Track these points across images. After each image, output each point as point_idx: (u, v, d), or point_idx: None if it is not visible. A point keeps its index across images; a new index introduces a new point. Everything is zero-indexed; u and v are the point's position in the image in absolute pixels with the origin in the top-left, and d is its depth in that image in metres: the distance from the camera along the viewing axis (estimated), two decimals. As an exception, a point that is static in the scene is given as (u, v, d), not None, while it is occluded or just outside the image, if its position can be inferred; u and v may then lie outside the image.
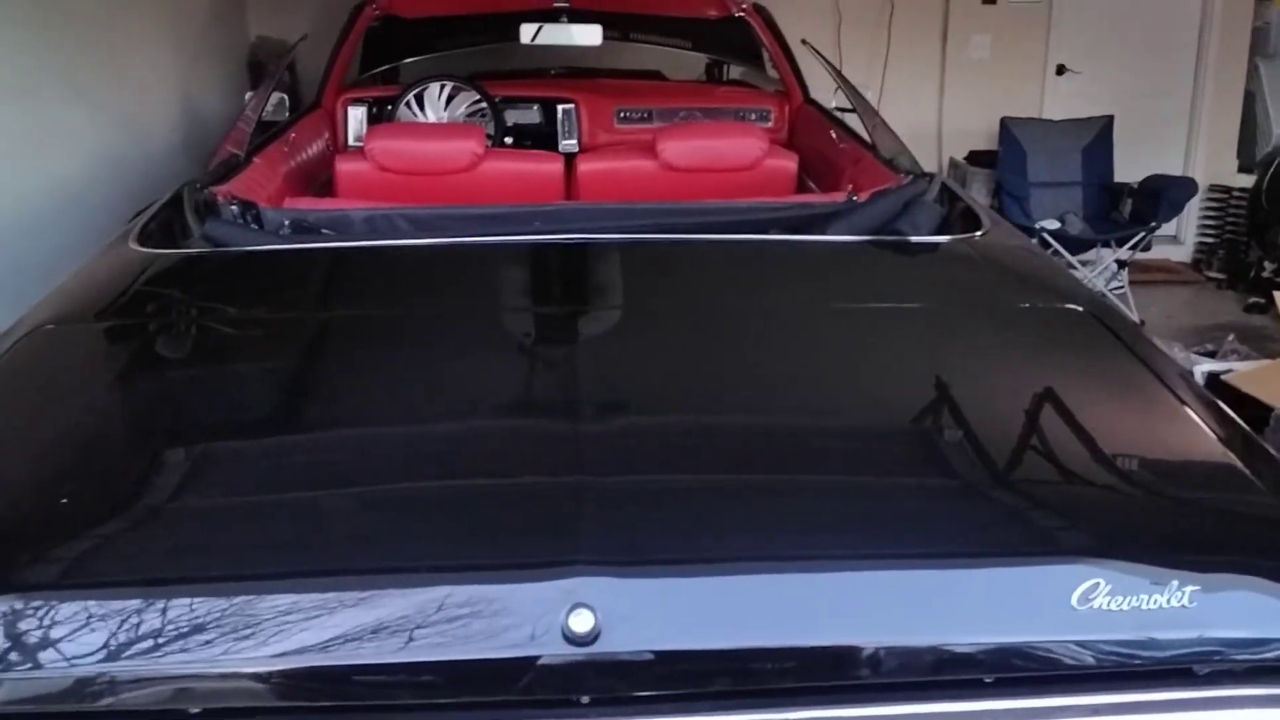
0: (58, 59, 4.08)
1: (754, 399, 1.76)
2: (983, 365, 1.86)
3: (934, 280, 2.27)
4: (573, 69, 5.22)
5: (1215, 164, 6.72)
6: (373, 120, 4.36)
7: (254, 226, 2.45)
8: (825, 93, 4.39)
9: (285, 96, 4.14)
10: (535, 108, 4.49)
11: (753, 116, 4.45)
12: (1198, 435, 1.64)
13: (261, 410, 1.77)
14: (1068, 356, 1.88)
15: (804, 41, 3.99)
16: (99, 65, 4.44)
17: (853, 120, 3.86)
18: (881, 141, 3.18)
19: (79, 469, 1.59)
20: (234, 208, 2.52)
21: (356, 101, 4.37)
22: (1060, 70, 6.69)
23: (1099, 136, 6.11)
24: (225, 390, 1.83)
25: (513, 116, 4.39)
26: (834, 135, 3.78)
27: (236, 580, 1.36)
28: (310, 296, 2.20)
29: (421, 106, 4.30)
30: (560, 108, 4.43)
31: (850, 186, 2.66)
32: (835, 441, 1.64)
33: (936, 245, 2.31)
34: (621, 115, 4.46)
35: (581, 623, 1.25)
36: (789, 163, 3.52)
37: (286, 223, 2.44)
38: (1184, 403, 1.70)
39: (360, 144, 4.35)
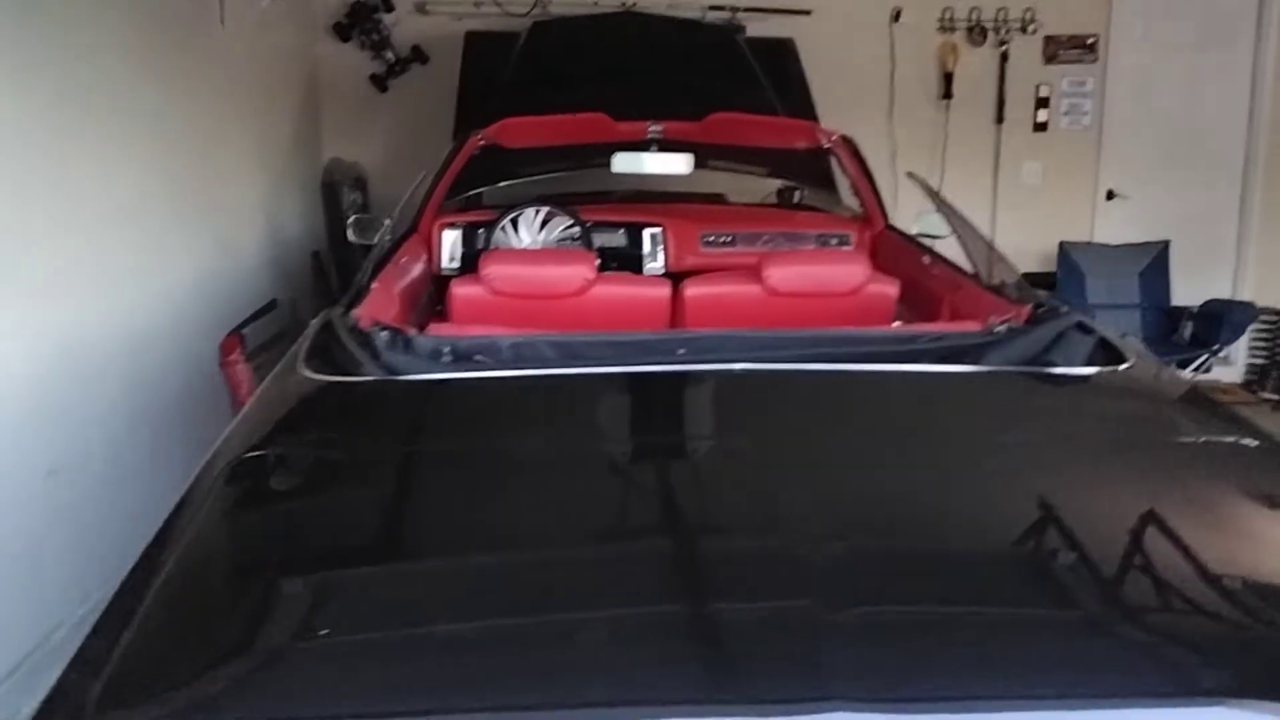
0: (163, 185, 4.23)
1: (953, 531, 1.79)
2: (1176, 502, 1.84)
3: (1092, 414, 2.30)
4: (637, 192, 5.37)
5: (1264, 286, 6.82)
6: (466, 244, 4.50)
7: (408, 353, 2.51)
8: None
9: (389, 220, 4.27)
10: (621, 231, 4.62)
11: (834, 241, 4.57)
12: None
13: (480, 537, 1.81)
14: (1258, 492, 1.90)
15: (910, 174, 4.12)
16: (198, 191, 4.60)
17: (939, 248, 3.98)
18: (993, 268, 3.26)
19: (313, 598, 1.63)
20: (384, 334, 2.59)
21: (451, 225, 4.50)
22: (1110, 195, 6.85)
23: (1155, 260, 6.24)
24: (437, 517, 1.87)
25: (599, 239, 4.52)
26: (926, 261, 3.87)
27: (472, 712, 1.37)
28: (498, 425, 2.26)
29: (516, 230, 4.43)
30: (647, 232, 4.56)
31: (992, 317, 2.72)
32: (1051, 572, 1.67)
33: (1086, 378, 2.36)
34: (707, 239, 4.59)
35: None
36: (890, 289, 3.60)
37: (446, 350, 2.50)
38: None
39: (455, 265, 4.49)
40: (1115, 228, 6.76)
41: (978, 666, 1.44)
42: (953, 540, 1.77)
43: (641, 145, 4.47)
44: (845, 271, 3.57)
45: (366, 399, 2.28)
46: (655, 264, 4.54)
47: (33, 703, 3.09)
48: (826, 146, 4.43)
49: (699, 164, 5.06)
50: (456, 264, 4.49)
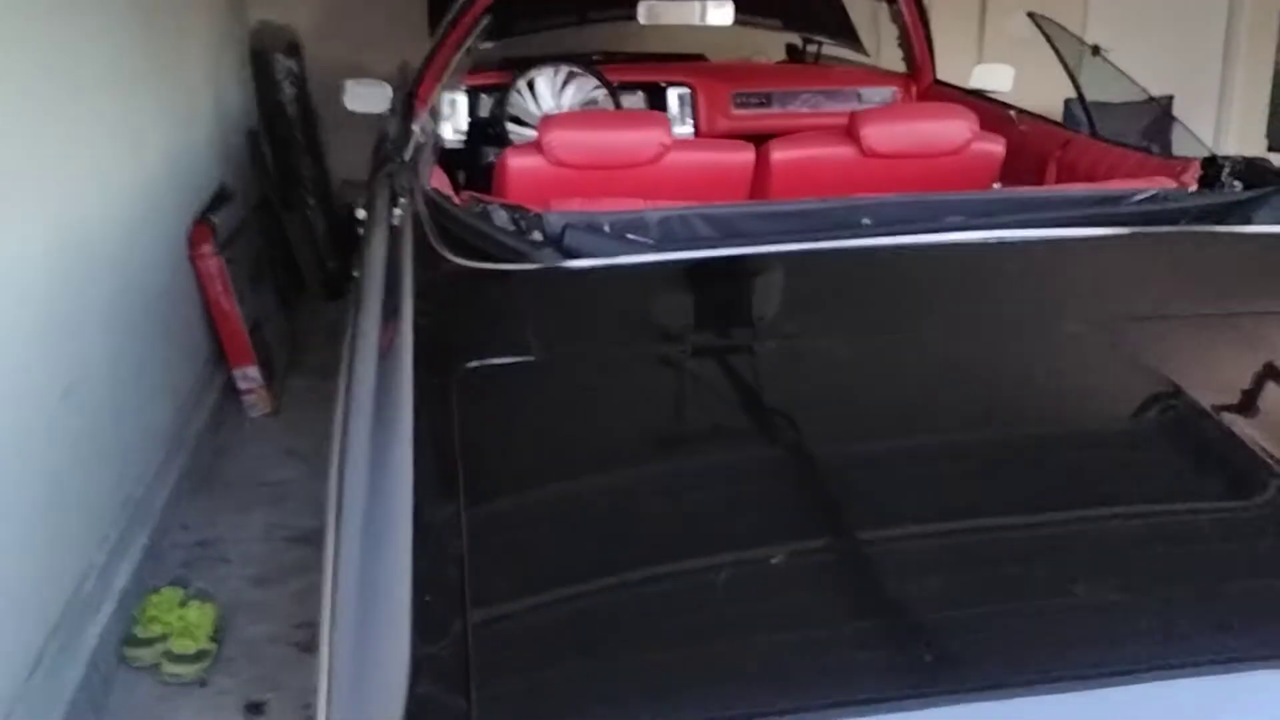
0: (133, 53, 3.59)
1: None
2: None
3: None
4: (608, 54, 4.88)
5: (1244, 143, 6.65)
6: (473, 110, 3.98)
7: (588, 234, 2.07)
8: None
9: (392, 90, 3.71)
10: (639, 93, 4.15)
11: (877, 99, 4.18)
12: None
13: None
14: None
15: (1031, 14, 3.71)
16: (153, 57, 3.93)
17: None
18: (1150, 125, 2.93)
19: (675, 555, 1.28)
20: (503, 213, 2.15)
21: (451, 89, 3.95)
22: (1095, 51, 6.55)
23: (1159, 118, 5.97)
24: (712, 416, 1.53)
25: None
26: (1011, 115, 3.53)
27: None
28: (730, 315, 1.89)
29: (534, 93, 3.91)
30: (674, 92, 4.11)
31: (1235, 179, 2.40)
32: None
33: None
34: (739, 100, 4.14)
35: None
36: (996, 146, 3.23)
37: (606, 227, 2.06)
38: None
39: (460, 137, 3.97)
40: (1103, 85, 6.47)
41: None
42: None
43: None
44: (950, 127, 3.17)
45: (549, 288, 1.90)
46: (684, 128, 4.08)
47: (76, 668, 2.58)
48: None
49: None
50: (462, 135, 3.97)
